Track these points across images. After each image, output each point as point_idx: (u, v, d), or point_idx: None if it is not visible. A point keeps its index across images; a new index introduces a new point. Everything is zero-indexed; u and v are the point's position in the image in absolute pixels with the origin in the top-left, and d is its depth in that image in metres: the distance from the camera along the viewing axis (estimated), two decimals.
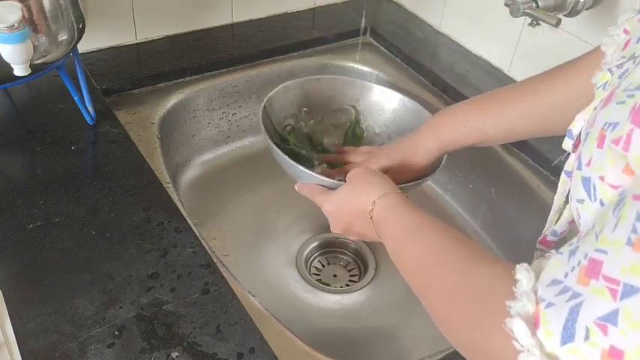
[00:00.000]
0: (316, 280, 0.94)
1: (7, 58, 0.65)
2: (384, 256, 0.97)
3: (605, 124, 0.37)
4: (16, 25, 0.62)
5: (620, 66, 0.49)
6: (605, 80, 0.50)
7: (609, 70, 0.50)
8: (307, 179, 0.70)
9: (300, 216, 1.02)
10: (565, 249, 0.36)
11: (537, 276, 0.36)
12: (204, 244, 0.71)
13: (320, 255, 0.99)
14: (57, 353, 0.57)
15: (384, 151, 0.76)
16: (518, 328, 0.35)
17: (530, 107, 0.64)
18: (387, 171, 0.72)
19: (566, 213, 0.55)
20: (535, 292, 0.35)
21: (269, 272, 0.93)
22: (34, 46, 0.67)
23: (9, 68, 0.66)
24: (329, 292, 0.92)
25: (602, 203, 0.36)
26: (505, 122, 0.67)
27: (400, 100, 0.84)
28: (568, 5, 0.85)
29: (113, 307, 0.62)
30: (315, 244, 0.99)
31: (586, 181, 0.37)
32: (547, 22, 0.85)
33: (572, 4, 0.85)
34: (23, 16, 0.63)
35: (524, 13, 0.86)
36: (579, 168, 0.39)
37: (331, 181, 0.68)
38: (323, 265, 0.97)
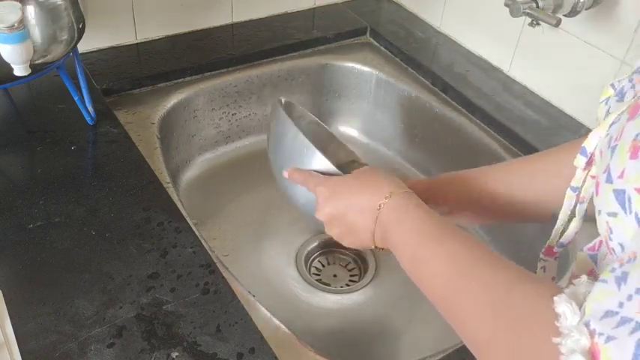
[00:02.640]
0: (316, 280, 0.94)
1: (7, 58, 0.65)
2: (384, 257, 0.98)
3: (637, 135, 0.36)
4: (16, 25, 0.63)
5: (620, 81, 0.49)
6: (607, 95, 0.50)
7: (612, 85, 0.50)
8: (311, 162, 0.63)
9: (300, 216, 1.01)
10: (608, 276, 0.34)
11: (580, 306, 0.34)
12: (204, 244, 0.71)
13: (320, 255, 0.99)
14: (57, 353, 0.57)
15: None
16: None
17: (516, 186, 0.62)
18: None
19: (573, 225, 0.54)
20: (587, 326, 0.33)
21: (269, 272, 0.93)
22: (33, 46, 0.67)
23: (9, 68, 0.66)
24: (329, 292, 0.92)
25: (637, 216, 0.34)
26: (490, 197, 0.63)
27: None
28: (568, 5, 0.85)
29: (113, 307, 0.62)
30: (315, 244, 0.99)
31: (619, 194, 0.36)
32: (547, 22, 0.85)
33: (572, 4, 0.85)
34: (23, 15, 0.63)
35: (524, 13, 0.86)
36: (609, 181, 0.37)
37: (334, 168, 0.61)
38: (323, 265, 0.97)
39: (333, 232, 0.61)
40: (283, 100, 0.71)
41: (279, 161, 0.67)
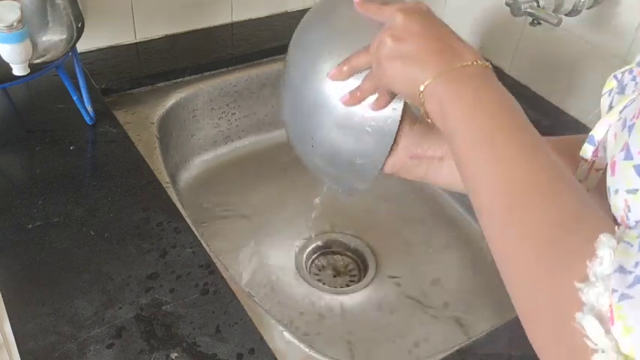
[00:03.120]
0: (316, 280, 0.94)
1: (6, 57, 0.65)
2: (385, 257, 0.98)
3: None
4: (15, 24, 0.62)
5: (623, 73, 0.48)
6: (610, 87, 0.50)
7: (614, 76, 0.49)
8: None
9: (300, 216, 1.02)
10: (634, 240, 0.32)
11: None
12: (204, 244, 0.70)
13: (320, 255, 0.99)
14: (56, 354, 0.57)
15: None
16: (591, 325, 0.31)
17: None
18: None
19: None
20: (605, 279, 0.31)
21: (269, 272, 0.93)
22: (32, 46, 0.67)
23: (8, 68, 0.66)
24: (329, 292, 0.92)
25: None
26: None
27: None
28: (569, 5, 0.85)
29: (112, 307, 0.62)
30: (315, 244, 0.99)
31: None
32: (548, 22, 0.85)
33: (573, 3, 0.85)
34: (22, 15, 0.63)
35: (525, 13, 0.86)
36: (629, 158, 0.36)
37: None
38: (323, 265, 0.97)
39: (390, 51, 0.49)
40: None
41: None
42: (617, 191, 0.38)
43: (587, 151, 0.48)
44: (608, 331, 0.30)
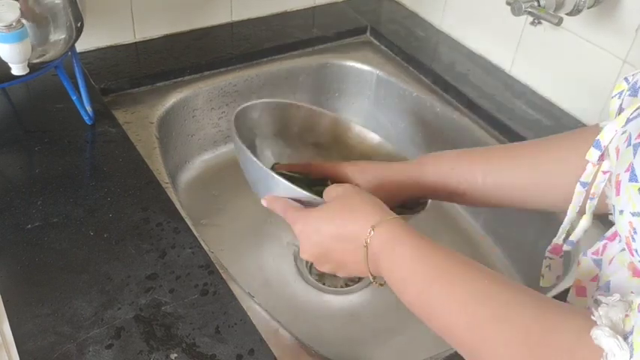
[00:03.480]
0: (316, 280, 0.94)
1: (5, 57, 0.64)
2: None
3: None
4: (14, 24, 0.62)
5: (634, 75, 0.48)
6: (620, 90, 0.49)
7: (625, 79, 0.49)
8: (281, 191, 0.61)
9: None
10: None
11: (622, 336, 0.32)
12: (203, 244, 0.70)
13: None
14: (55, 354, 0.57)
15: (360, 164, 0.68)
16: None
17: (524, 168, 0.59)
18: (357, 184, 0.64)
19: (583, 222, 0.53)
20: None
21: (269, 273, 0.93)
22: (32, 45, 0.66)
23: (7, 67, 0.66)
24: (329, 292, 0.92)
25: None
26: (495, 175, 0.60)
27: (378, 142, 0.79)
28: (570, 4, 0.85)
29: (112, 308, 0.61)
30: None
31: None
32: (549, 21, 0.84)
33: (573, 3, 0.85)
34: (21, 14, 0.63)
35: (526, 12, 0.85)
36: (634, 180, 0.36)
37: (311, 195, 0.59)
38: None
39: (325, 269, 0.58)
40: (233, 124, 0.70)
41: (255, 188, 0.67)
42: (622, 212, 0.38)
43: (593, 155, 0.48)
44: None
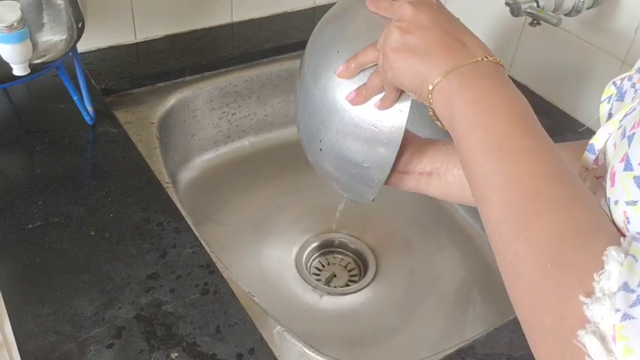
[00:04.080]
0: (316, 280, 0.94)
1: (6, 57, 0.65)
2: (384, 257, 0.97)
3: None
4: (15, 24, 0.62)
5: (622, 80, 0.48)
6: (609, 94, 0.49)
7: (613, 83, 0.49)
8: None
9: (300, 216, 1.02)
10: (638, 253, 0.32)
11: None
12: (204, 244, 0.71)
13: (320, 255, 0.99)
14: (56, 354, 0.57)
15: None
16: (592, 344, 0.30)
17: None
18: None
19: None
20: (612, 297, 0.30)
21: (269, 272, 0.93)
22: (33, 46, 0.67)
23: (8, 68, 0.66)
24: (329, 292, 0.92)
25: None
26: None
27: None
28: (569, 5, 0.85)
29: (112, 307, 0.62)
30: (315, 244, 0.99)
31: None
32: (548, 22, 0.85)
33: (572, 3, 0.85)
34: (22, 15, 0.63)
35: (525, 13, 0.86)
36: (629, 169, 0.36)
37: None
38: (323, 265, 0.97)
39: (401, 39, 0.46)
40: None
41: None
42: (616, 202, 0.37)
43: (587, 159, 0.48)
44: (609, 351, 0.29)
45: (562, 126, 0.95)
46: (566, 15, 0.86)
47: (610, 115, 0.49)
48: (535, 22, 0.91)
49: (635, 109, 0.40)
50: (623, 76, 0.49)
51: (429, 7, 0.47)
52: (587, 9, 0.86)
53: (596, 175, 0.49)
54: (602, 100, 0.49)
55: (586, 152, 0.48)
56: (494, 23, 1.05)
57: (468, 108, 0.43)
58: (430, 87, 0.45)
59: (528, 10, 0.85)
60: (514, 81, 1.08)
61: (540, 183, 0.38)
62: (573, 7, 0.85)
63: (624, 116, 0.42)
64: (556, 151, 0.40)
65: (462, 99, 0.43)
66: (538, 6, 0.85)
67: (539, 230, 0.36)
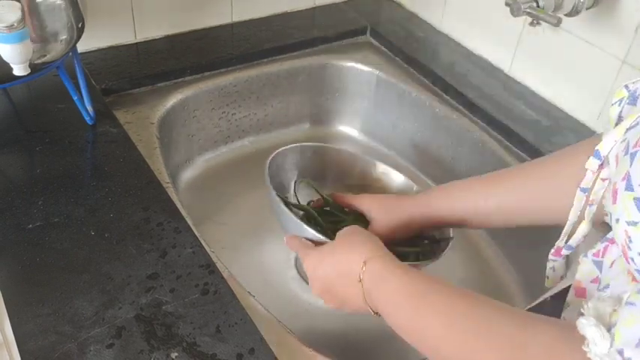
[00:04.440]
0: None
1: (6, 57, 0.65)
2: None
3: None
4: (15, 24, 0.62)
5: (635, 82, 0.48)
6: (620, 97, 0.50)
7: (626, 86, 0.49)
8: (297, 231, 0.68)
9: None
10: (637, 298, 0.33)
11: (608, 329, 0.33)
12: (204, 244, 0.71)
13: None
14: (56, 354, 0.57)
15: (377, 197, 0.74)
16: None
17: (520, 189, 0.61)
18: (371, 218, 0.71)
19: (581, 228, 0.53)
20: (620, 353, 0.32)
21: (269, 272, 0.93)
22: (33, 46, 0.67)
23: (8, 68, 0.66)
24: None
25: None
26: (497, 199, 0.63)
27: (404, 181, 0.83)
28: (568, 5, 0.85)
29: (112, 307, 0.62)
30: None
31: None
32: (548, 22, 0.85)
33: (572, 3, 0.85)
34: (22, 15, 0.63)
35: (525, 13, 0.86)
36: (630, 189, 0.37)
37: (318, 235, 0.65)
38: None
39: (332, 305, 0.62)
40: (267, 167, 0.76)
41: (281, 226, 0.73)
42: (618, 220, 0.38)
43: (592, 164, 0.48)
44: None
45: (562, 126, 0.95)
46: (566, 15, 0.86)
47: (620, 119, 0.49)
48: (535, 22, 0.91)
49: (638, 122, 0.40)
50: (637, 79, 0.49)
51: (314, 272, 0.62)
52: (587, 9, 0.86)
53: (602, 178, 0.50)
54: (613, 102, 0.49)
55: (592, 157, 0.48)
56: (494, 23, 1.05)
57: (381, 307, 0.55)
58: (371, 311, 0.58)
59: (528, 10, 0.85)
60: (514, 81, 1.08)
61: (464, 327, 0.46)
62: (573, 7, 0.85)
63: (628, 129, 0.42)
64: (461, 294, 0.49)
65: (376, 302, 0.56)
66: (538, 6, 0.85)
67: None
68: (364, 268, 0.55)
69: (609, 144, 0.46)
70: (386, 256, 0.56)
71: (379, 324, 0.89)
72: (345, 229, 0.63)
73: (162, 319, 0.61)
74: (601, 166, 0.48)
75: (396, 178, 0.84)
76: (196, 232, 0.72)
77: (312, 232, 0.66)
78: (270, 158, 0.76)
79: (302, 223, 0.67)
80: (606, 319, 0.34)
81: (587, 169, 0.50)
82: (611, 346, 0.32)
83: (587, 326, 0.34)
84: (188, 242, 0.70)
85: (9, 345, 0.59)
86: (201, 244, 0.70)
